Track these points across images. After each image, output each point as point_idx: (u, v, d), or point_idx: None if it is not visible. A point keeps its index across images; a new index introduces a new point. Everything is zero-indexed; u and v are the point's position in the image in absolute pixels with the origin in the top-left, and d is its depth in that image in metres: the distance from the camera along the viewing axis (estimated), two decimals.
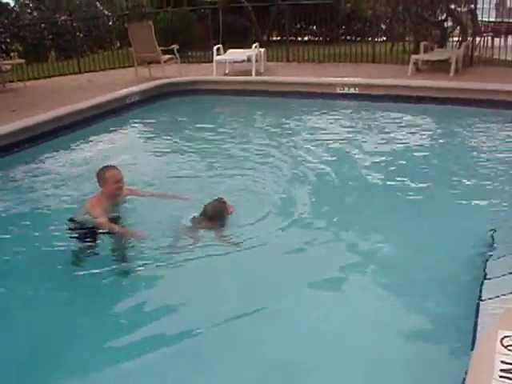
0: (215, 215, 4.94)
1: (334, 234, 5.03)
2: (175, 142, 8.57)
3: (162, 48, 12.78)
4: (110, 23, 18.83)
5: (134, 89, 11.06)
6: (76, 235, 4.71)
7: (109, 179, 4.79)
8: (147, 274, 4.36)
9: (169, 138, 8.91)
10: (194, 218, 4.98)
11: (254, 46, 12.91)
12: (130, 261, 4.54)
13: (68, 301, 4.14)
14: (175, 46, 13.01)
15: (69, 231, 4.77)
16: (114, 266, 4.46)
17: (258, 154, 7.47)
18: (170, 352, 3.48)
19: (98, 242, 4.69)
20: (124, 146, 8.36)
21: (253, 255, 4.53)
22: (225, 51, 13.47)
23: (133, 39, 12.77)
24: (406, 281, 4.21)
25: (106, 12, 19.61)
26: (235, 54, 13.20)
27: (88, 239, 4.68)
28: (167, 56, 12.98)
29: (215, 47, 13.11)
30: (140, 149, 8.27)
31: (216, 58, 12.81)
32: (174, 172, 6.75)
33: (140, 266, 4.43)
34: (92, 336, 3.70)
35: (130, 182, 5.30)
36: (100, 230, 4.66)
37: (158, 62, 12.78)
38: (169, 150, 8.04)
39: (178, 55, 13.07)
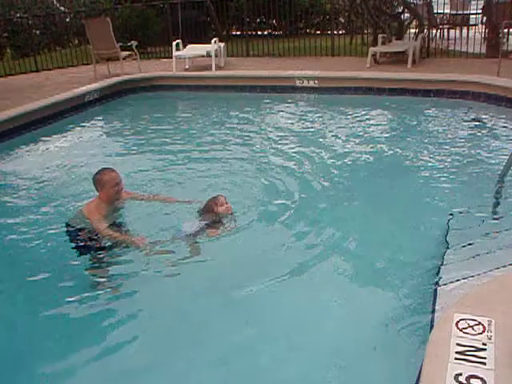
0: (203, 210, 4.90)
1: (297, 225, 5.04)
2: (136, 139, 8.49)
3: (121, 44, 12.61)
4: (68, 20, 18.50)
5: (93, 86, 10.93)
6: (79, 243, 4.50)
7: (107, 183, 4.55)
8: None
9: (129, 135, 8.83)
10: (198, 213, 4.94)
11: (213, 40, 12.87)
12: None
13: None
14: (134, 43, 12.88)
15: (67, 237, 4.58)
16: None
17: (219, 150, 7.49)
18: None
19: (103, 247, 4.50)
20: (83, 145, 8.24)
21: (214, 246, 4.56)
22: (184, 47, 13.40)
23: (90, 36, 12.60)
24: (369, 267, 4.29)
25: (63, 8, 19.23)
26: (194, 49, 13.13)
27: (90, 246, 4.47)
28: (126, 52, 12.85)
29: (174, 43, 13.02)
30: (100, 147, 8.15)
31: (175, 53, 12.73)
32: (134, 170, 6.67)
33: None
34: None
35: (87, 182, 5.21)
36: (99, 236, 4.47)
37: (117, 59, 12.65)
38: (129, 148, 7.97)
39: (136, 51, 12.95)
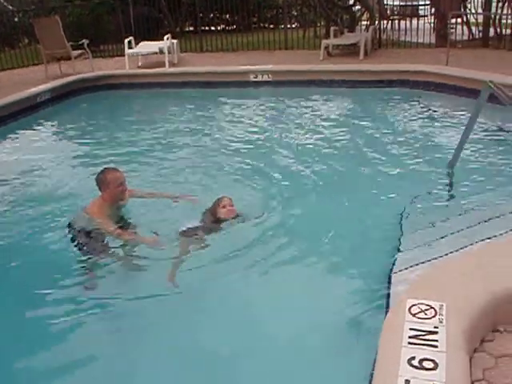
0: (208, 210, 4.72)
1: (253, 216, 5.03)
2: (89, 140, 8.31)
3: (72, 43, 12.40)
4: (16, 19, 18.06)
5: (45, 87, 10.70)
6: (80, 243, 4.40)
7: (111, 182, 4.42)
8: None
9: (82, 136, 8.64)
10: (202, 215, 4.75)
11: (165, 37, 12.77)
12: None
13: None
14: (85, 41, 12.65)
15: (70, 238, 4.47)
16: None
17: (175, 147, 7.45)
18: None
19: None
20: (35, 148, 8.02)
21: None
22: (137, 44, 13.27)
23: (40, 35, 12.34)
24: (326, 255, 4.33)
25: (11, 7, 18.76)
26: (147, 46, 13.03)
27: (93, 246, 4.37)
28: (78, 51, 12.63)
29: (126, 40, 12.88)
30: (52, 149, 7.97)
31: (127, 51, 12.60)
32: (88, 172, 6.53)
33: None
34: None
35: (43, 185, 5.11)
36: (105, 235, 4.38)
37: (69, 58, 12.43)
38: (83, 150, 7.81)
39: (88, 50, 12.75)
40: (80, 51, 12.70)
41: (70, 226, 4.49)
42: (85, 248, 4.36)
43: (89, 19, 16.27)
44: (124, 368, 3.28)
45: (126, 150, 7.39)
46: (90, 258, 4.33)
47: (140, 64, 13.15)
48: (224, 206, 4.62)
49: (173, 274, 4.07)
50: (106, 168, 4.66)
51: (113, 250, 4.43)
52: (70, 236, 4.45)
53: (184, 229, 4.54)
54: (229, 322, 3.60)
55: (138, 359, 3.34)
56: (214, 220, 4.64)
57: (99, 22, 16.40)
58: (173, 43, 13.18)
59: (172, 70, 12.23)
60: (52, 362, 3.35)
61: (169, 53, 12.61)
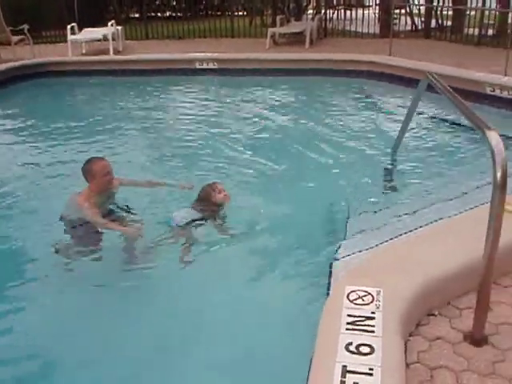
0: (200, 198, 4.68)
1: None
2: (31, 129, 8.07)
3: (12, 28, 12.02)
4: None
5: None
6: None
7: (97, 172, 4.31)
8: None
9: (22, 126, 8.35)
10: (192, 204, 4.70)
11: (110, 23, 12.52)
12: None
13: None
14: (25, 26, 12.27)
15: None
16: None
17: (120, 134, 7.36)
18: None
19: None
20: None
21: None
22: (81, 30, 12.95)
23: None
24: (272, 245, 4.38)
25: None
26: (91, 32, 12.74)
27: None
28: (18, 37, 12.25)
29: (69, 26, 12.54)
30: None
31: (70, 37, 12.28)
32: (28, 162, 6.40)
33: None
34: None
35: None
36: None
37: (8, 44, 12.03)
38: (24, 140, 7.56)
39: (29, 35, 12.36)
40: (20, 36, 12.31)
41: (61, 218, 4.40)
42: (76, 239, 4.34)
43: (29, 3, 15.75)
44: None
45: (68, 140, 7.24)
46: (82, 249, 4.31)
47: (84, 51, 12.85)
48: (220, 192, 4.66)
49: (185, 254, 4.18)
50: (92, 158, 4.54)
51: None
52: (64, 228, 4.38)
53: (186, 221, 4.51)
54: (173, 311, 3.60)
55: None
56: (213, 206, 4.65)
57: (40, 7, 15.89)
58: (117, 30, 12.92)
59: (117, 57, 12.01)
60: None
61: (113, 40, 12.38)
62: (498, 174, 2.35)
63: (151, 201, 5.02)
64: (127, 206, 4.69)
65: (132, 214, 4.64)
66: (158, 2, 18.61)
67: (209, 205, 4.66)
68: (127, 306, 3.74)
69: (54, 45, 14.30)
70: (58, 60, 11.72)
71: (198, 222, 4.53)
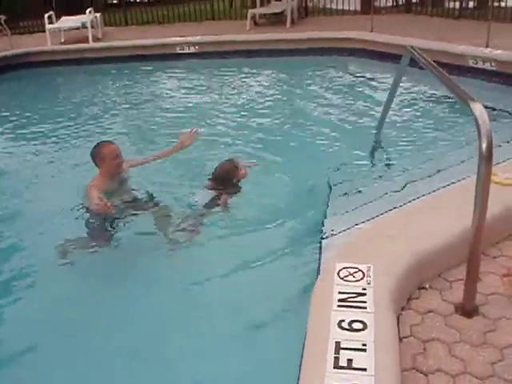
0: (221, 176, 4.55)
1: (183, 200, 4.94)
2: (12, 122, 7.95)
3: None
4: None
5: None
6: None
7: (107, 155, 4.24)
8: None
9: (2, 117, 8.30)
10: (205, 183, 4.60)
11: (88, 11, 12.35)
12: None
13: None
14: (2, 17, 12.10)
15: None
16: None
17: (104, 122, 7.34)
18: None
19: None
20: None
21: None
22: (58, 19, 12.78)
23: None
24: (260, 227, 4.28)
25: None
26: (69, 21, 12.59)
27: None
28: None
29: (46, 15, 12.36)
30: None
31: (48, 26, 12.12)
32: (10, 155, 6.34)
33: None
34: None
35: None
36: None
37: None
38: (6, 131, 7.52)
39: (6, 26, 12.18)
40: None
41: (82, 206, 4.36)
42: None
43: None
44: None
45: (51, 130, 7.16)
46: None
47: (63, 40, 12.69)
48: (242, 168, 4.60)
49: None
50: (100, 141, 4.48)
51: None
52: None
53: (205, 202, 4.45)
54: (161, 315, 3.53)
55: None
56: (232, 185, 4.57)
57: None
58: (96, 17, 12.77)
59: (96, 44, 11.89)
60: None
61: (92, 27, 12.24)
62: (484, 145, 2.35)
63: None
64: (148, 192, 4.63)
65: (154, 198, 4.56)
66: None
67: (227, 183, 4.56)
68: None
69: (32, 35, 14.12)
70: (37, 50, 11.58)
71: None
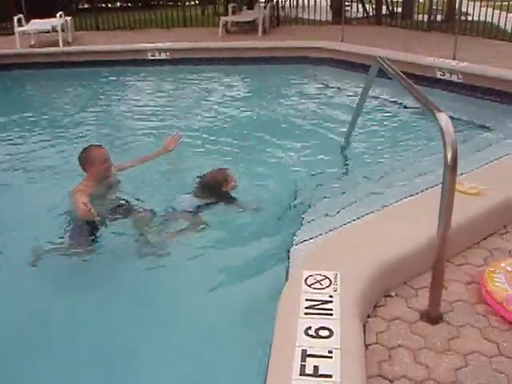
0: (209, 184, 4.51)
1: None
2: None
3: None
4: None
5: None
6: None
7: (96, 160, 4.20)
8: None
9: None
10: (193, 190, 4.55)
11: (58, 14, 12.22)
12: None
13: None
14: None
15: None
16: None
17: (71, 128, 7.20)
18: None
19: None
20: None
21: None
22: (29, 22, 12.61)
23: None
24: (232, 234, 4.32)
25: None
26: (38, 24, 12.42)
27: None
28: None
29: (16, 18, 12.20)
30: None
31: (17, 29, 11.96)
32: None
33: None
34: None
35: None
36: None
37: None
38: None
39: None
40: None
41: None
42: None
43: None
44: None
45: (20, 135, 7.05)
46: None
47: (32, 43, 12.53)
48: (232, 180, 4.56)
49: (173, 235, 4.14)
50: (89, 145, 4.43)
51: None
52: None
53: (190, 209, 4.41)
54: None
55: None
56: (221, 193, 4.52)
57: None
58: (66, 21, 12.62)
59: (66, 48, 11.73)
60: None
61: (62, 31, 12.10)
62: (449, 155, 2.39)
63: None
64: (132, 197, 4.56)
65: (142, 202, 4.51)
66: None
67: (214, 192, 4.52)
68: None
69: (0, 37, 13.91)
70: (5, 52, 11.39)
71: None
